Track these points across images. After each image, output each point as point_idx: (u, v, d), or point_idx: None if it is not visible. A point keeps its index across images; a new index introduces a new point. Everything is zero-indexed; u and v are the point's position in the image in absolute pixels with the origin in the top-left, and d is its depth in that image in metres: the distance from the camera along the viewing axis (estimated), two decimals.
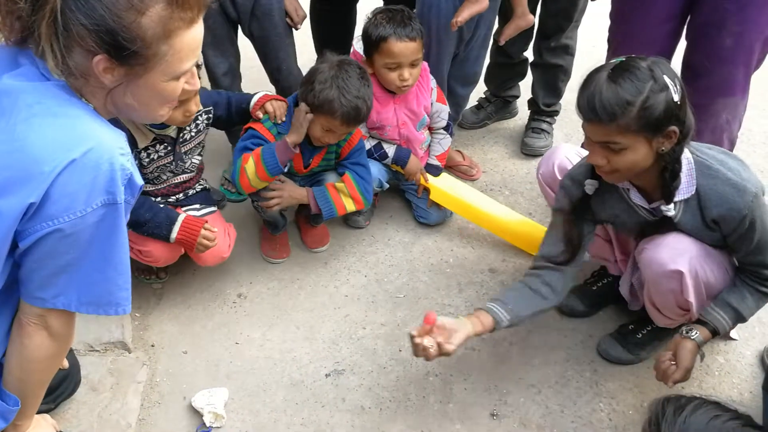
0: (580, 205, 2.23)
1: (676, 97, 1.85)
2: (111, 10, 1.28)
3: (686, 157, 2.00)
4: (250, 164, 2.51)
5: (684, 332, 2.11)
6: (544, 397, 2.37)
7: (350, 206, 2.68)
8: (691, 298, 2.12)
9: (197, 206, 2.63)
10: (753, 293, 2.13)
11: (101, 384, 2.29)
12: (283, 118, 2.60)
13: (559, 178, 2.43)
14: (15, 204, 1.31)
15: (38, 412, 1.83)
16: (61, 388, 2.10)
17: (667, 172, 1.98)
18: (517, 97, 3.61)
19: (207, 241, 2.47)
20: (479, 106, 3.59)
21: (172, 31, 1.35)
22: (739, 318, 2.14)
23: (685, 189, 2.02)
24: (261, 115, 2.60)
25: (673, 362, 2.09)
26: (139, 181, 1.44)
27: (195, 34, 1.41)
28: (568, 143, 2.62)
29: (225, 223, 2.68)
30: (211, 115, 2.58)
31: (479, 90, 3.49)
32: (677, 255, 2.08)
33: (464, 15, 2.68)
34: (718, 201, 1.99)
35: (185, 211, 2.58)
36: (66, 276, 1.45)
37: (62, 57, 1.31)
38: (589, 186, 2.17)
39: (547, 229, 2.38)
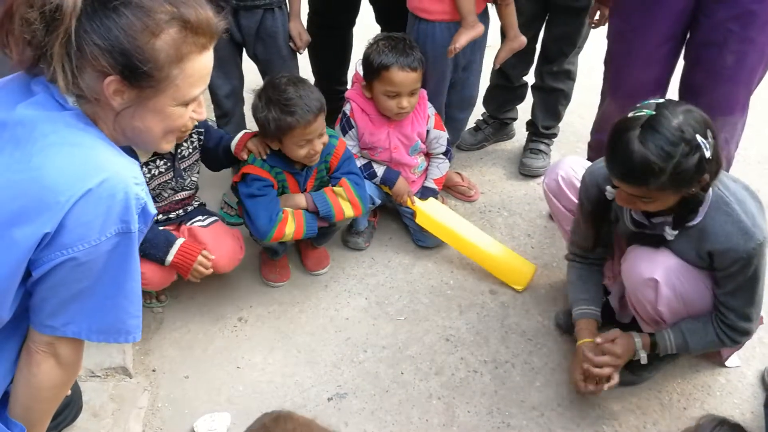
0: (600, 205, 2.25)
1: (708, 154, 1.84)
2: (126, 31, 1.30)
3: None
4: (290, 226, 2.55)
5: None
6: (546, 420, 2.37)
7: (348, 211, 2.66)
8: (662, 306, 2.15)
9: (201, 218, 2.64)
10: (710, 334, 2.16)
11: (102, 410, 2.27)
12: (267, 151, 2.59)
13: (565, 189, 2.49)
14: (30, 233, 1.32)
15: None
16: (63, 415, 2.09)
17: (689, 205, 2.00)
18: (515, 119, 3.63)
19: (202, 267, 2.47)
20: (477, 128, 3.60)
21: (184, 55, 1.37)
22: (685, 348, 2.20)
23: (694, 218, 2.03)
24: (246, 156, 2.59)
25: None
26: (152, 210, 1.45)
27: (206, 60, 1.43)
28: (573, 156, 2.65)
29: (230, 229, 2.69)
30: (202, 137, 2.59)
31: (476, 112, 3.51)
32: (655, 265, 2.12)
33: (461, 41, 2.71)
34: (723, 238, 2.00)
35: (190, 224, 2.61)
36: (77, 304, 1.45)
37: (73, 78, 1.32)
38: (610, 193, 2.17)
39: (575, 218, 2.43)
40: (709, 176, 1.90)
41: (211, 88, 2.93)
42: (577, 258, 2.49)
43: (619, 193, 2.02)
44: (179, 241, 2.45)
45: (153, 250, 2.40)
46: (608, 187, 2.15)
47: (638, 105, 1.93)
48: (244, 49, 2.94)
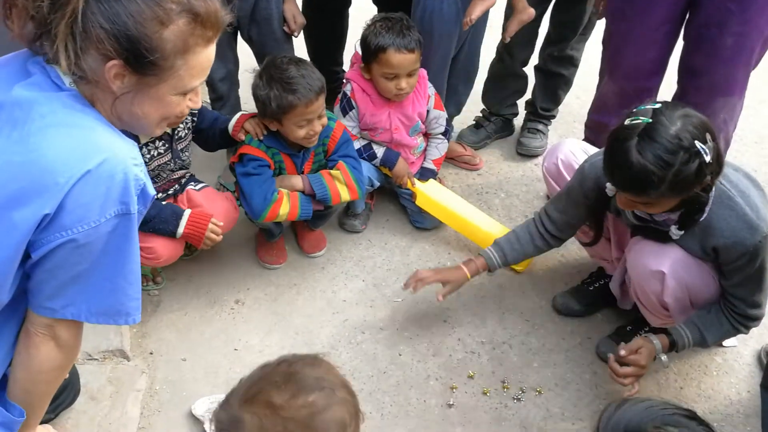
0: (599, 201, 2.24)
1: (708, 158, 1.82)
2: (135, 18, 1.29)
3: None
4: (285, 207, 2.53)
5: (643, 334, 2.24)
6: (544, 400, 2.38)
7: (345, 195, 2.63)
8: (668, 298, 2.15)
9: (193, 184, 2.66)
10: (725, 324, 2.16)
11: (100, 393, 2.27)
12: (264, 132, 2.57)
13: (564, 172, 2.49)
14: (29, 215, 1.31)
15: None
16: (61, 398, 2.08)
17: (693, 205, 1.99)
18: (516, 114, 3.55)
19: (214, 235, 2.48)
20: (478, 125, 3.51)
21: (190, 47, 1.37)
22: (702, 342, 2.19)
23: (701, 217, 2.02)
24: (243, 137, 2.57)
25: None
26: (152, 191, 1.44)
27: (209, 53, 1.43)
28: (572, 138, 2.64)
29: (221, 192, 2.71)
30: (196, 118, 2.58)
31: (476, 108, 3.49)
32: (661, 257, 2.11)
33: (477, 12, 2.68)
34: (728, 233, 1.99)
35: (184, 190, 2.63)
36: (77, 286, 1.44)
37: (76, 58, 1.30)
38: (610, 190, 2.16)
39: (561, 192, 2.41)
40: (710, 177, 1.89)
41: None
42: (542, 225, 2.45)
43: (619, 197, 2.01)
44: (187, 212, 2.46)
45: (162, 224, 2.40)
46: (608, 184, 2.14)
47: (634, 110, 1.90)
48: (238, 32, 2.92)
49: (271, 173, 2.58)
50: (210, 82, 2.97)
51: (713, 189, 1.98)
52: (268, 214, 2.52)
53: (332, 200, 2.62)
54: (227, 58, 2.94)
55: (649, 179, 1.81)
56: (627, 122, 1.88)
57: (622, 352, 2.18)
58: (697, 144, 1.80)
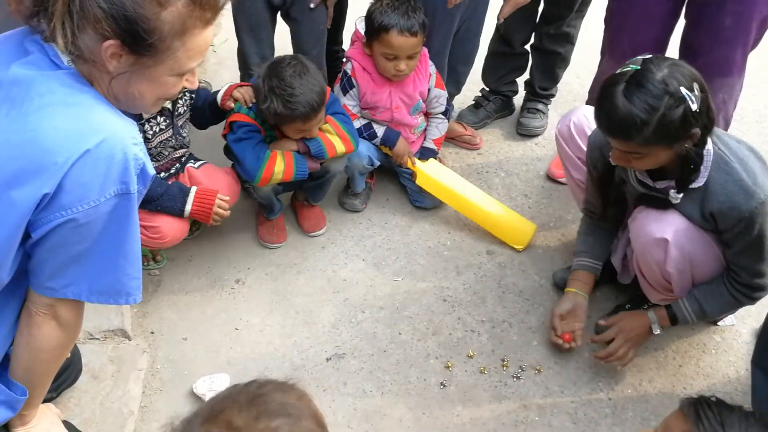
0: (605, 170, 2.25)
1: (695, 106, 1.84)
2: None
3: (708, 148, 2.00)
4: (279, 164, 2.52)
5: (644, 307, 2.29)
6: (543, 378, 2.39)
7: (339, 146, 2.61)
8: (671, 268, 2.15)
9: (192, 162, 2.67)
10: (725, 294, 2.17)
11: (102, 372, 2.28)
12: (254, 100, 2.56)
13: (575, 135, 2.48)
14: (28, 195, 1.31)
15: None
16: (63, 377, 2.09)
17: (688, 165, 1.99)
18: (516, 92, 3.53)
19: (222, 210, 2.49)
20: (477, 105, 3.48)
21: (188, 29, 1.36)
22: (702, 314, 2.22)
23: (698, 179, 2.03)
24: (232, 105, 2.57)
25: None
26: (151, 170, 1.44)
27: (208, 35, 1.42)
28: (589, 105, 2.64)
29: (219, 168, 2.71)
30: (193, 95, 2.58)
31: (475, 87, 3.47)
32: (665, 225, 2.12)
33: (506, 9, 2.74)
34: (723, 197, 2.00)
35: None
36: (77, 266, 1.45)
37: (73, 36, 1.30)
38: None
39: (586, 178, 2.44)
40: (699, 131, 1.90)
41: (243, 52, 2.87)
42: (590, 213, 2.50)
43: (613, 152, 2.03)
44: (193, 189, 2.47)
45: (170, 202, 2.40)
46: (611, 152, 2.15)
47: (627, 62, 1.94)
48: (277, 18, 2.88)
49: (261, 137, 2.58)
50: (244, 64, 2.93)
51: (710, 150, 2.00)
52: (263, 174, 2.51)
53: (328, 153, 2.60)
54: (265, 43, 2.88)
55: (633, 123, 1.84)
56: (618, 71, 1.92)
57: (602, 322, 2.29)
58: (683, 90, 1.83)
